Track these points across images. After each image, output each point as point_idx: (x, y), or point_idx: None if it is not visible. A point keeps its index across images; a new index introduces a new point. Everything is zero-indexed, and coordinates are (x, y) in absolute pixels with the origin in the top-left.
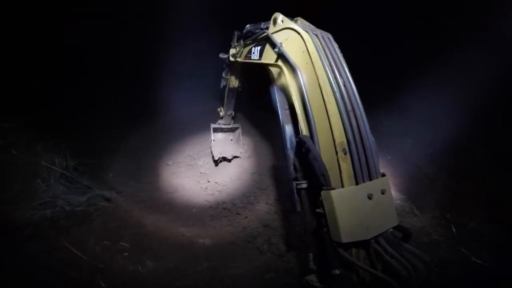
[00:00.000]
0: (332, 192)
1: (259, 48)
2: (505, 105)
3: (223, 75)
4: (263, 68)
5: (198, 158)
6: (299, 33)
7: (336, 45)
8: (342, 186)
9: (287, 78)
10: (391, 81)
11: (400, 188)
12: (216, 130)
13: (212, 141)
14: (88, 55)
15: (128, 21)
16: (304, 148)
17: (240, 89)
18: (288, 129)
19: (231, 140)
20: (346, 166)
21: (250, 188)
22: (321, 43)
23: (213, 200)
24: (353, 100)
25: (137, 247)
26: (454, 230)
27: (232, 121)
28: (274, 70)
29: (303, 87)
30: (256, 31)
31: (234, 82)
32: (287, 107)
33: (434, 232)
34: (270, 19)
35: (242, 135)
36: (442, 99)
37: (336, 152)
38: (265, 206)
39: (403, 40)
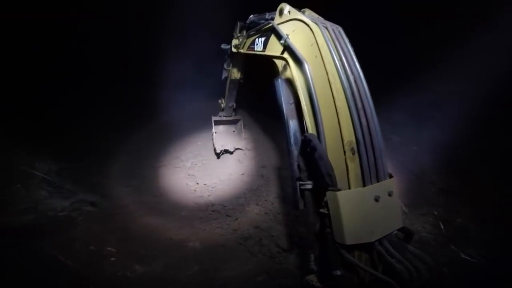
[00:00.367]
0: (338, 194)
1: (263, 39)
2: (492, 103)
3: (225, 66)
4: (267, 60)
5: (186, 160)
6: (308, 25)
7: (347, 39)
8: (349, 187)
9: (293, 72)
10: (379, 77)
11: None
12: (217, 122)
13: (214, 134)
14: (69, 58)
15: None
16: (309, 146)
17: (242, 81)
18: (293, 124)
19: (233, 131)
20: (353, 166)
21: (240, 190)
22: (331, 36)
23: (202, 203)
24: (364, 98)
25: (124, 252)
26: (442, 227)
27: (234, 113)
28: (279, 63)
29: (310, 81)
30: (261, 21)
31: (236, 73)
32: (292, 101)
33: (423, 229)
34: (275, 10)
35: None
36: (428, 97)
37: (344, 152)
38: (256, 207)
39: (397, 37)
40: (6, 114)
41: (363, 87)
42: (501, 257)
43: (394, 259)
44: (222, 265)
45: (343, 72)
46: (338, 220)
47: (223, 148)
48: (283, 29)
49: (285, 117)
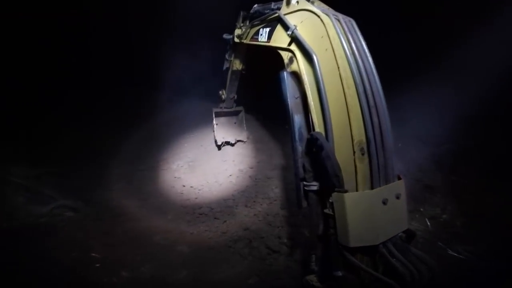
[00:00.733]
0: (346, 195)
1: (268, 29)
2: (478, 101)
3: (226, 56)
4: (271, 52)
5: (173, 161)
6: (318, 16)
7: (359, 32)
8: (356, 189)
9: (300, 65)
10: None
11: None
12: (218, 114)
13: (215, 125)
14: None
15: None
16: (316, 145)
17: (244, 72)
18: (298, 119)
19: (234, 123)
20: (362, 167)
21: (228, 191)
22: (343, 29)
23: (189, 205)
24: (377, 95)
25: (109, 258)
26: (428, 224)
27: (234, 104)
28: (285, 55)
29: (319, 76)
30: (266, 11)
31: (237, 64)
32: (297, 95)
33: (410, 226)
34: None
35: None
36: (414, 94)
37: (353, 152)
38: (244, 209)
39: (391, 33)
40: None
41: (376, 84)
42: (488, 253)
43: (397, 261)
44: (211, 269)
45: (356, 67)
46: (343, 222)
47: (224, 140)
48: (291, 19)
49: (290, 111)
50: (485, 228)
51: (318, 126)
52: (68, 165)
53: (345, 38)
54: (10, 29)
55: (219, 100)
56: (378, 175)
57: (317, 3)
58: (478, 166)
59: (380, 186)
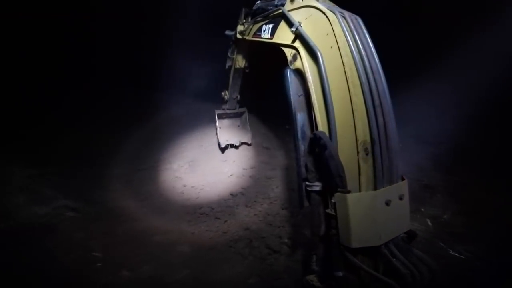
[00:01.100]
0: (349, 196)
1: (271, 26)
2: (477, 100)
3: (229, 54)
4: (274, 48)
5: (173, 161)
6: (324, 13)
7: (366, 30)
8: (359, 190)
9: (304, 62)
10: None
11: None
12: (221, 116)
13: (218, 128)
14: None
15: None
16: (319, 145)
17: (247, 70)
18: (300, 117)
19: (238, 126)
20: (366, 168)
21: (229, 191)
22: (349, 26)
23: (190, 205)
24: (382, 94)
25: (111, 258)
26: (429, 224)
27: (238, 105)
28: (288, 52)
29: (324, 74)
30: (269, 8)
31: (240, 62)
32: (301, 93)
33: (411, 226)
34: None
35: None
36: (413, 94)
37: (357, 152)
38: (245, 208)
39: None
40: None
41: (382, 83)
42: (489, 253)
43: (398, 262)
44: (212, 269)
45: (361, 65)
46: (345, 222)
47: (228, 143)
48: (295, 16)
49: (293, 109)
50: (485, 228)
51: (322, 125)
52: (69, 165)
53: (351, 36)
54: (10, 29)
55: (222, 101)
56: (382, 176)
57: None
58: (478, 166)
59: (383, 187)
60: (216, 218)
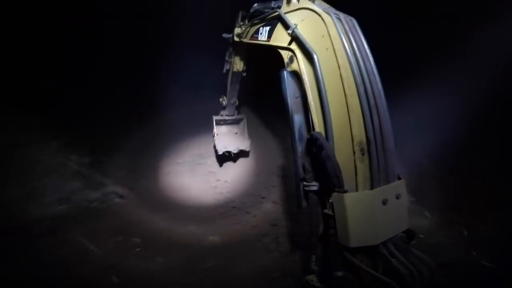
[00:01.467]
0: (345, 196)
1: (268, 28)
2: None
3: (226, 57)
4: (271, 51)
5: (208, 156)
6: (319, 15)
7: (361, 32)
8: (356, 189)
9: (301, 64)
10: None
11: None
12: (219, 122)
13: (216, 135)
14: (98, 57)
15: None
16: (316, 145)
17: (244, 74)
18: (298, 119)
19: (236, 133)
20: (362, 167)
21: (259, 187)
22: (344, 28)
23: (222, 199)
24: (377, 95)
25: (148, 243)
26: (465, 233)
27: (236, 112)
28: (285, 54)
29: (320, 75)
30: (266, 10)
31: (238, 65)
32: (298, 95)
33: (444, 234)
34: None
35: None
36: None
37: (354, 152)
38: (273, 205)
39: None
40: (42, 109)
41: (377, 84)
42: None
43: (397, 262)
44: (238, 261)
45: (357, 67)
46: (343, 222)
47: (225, 150)
48: (291, 18)
49: (290, 111)
50: None
51: (318, 126)
52: (114, 155)
53: (346, 37)
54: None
55: (220, 106)
56: (378, 176)
57: (318, 1)
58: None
59: (380, 187)
60: (246, 212)
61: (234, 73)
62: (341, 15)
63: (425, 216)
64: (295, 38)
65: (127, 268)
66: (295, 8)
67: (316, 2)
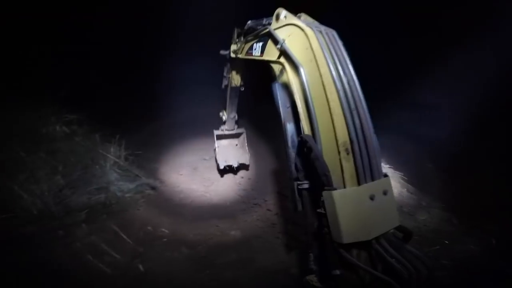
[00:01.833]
0: (334, 193)
1: (260, 44)
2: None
3: (224, 73)
4: (265, 65)
5: None
6: (302, 30)
7: (340, 42)
8: (344, 187)
9: (290, 76)
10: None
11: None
12: (219, 137)
13: (216, 149)
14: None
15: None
16: (306, 147)
17: (242, 89)
18: (290, 127)
19: (236, 145)
20: (348, 166)
21: (282, 185)
22: (325, 40)
23: (245, 195)
24: (357, 99)
25: (175, 234)
26: (494, 242)
27: (236, 126)
28: (276, 67)
29: (305, 84)
30: (258, 27)
31: (236, 80)
32: (289, 105)
33: (471, 242)
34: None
35: (247, 140)
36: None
37: (339, 152)
38: None
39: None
40: (87, 103)
41: (356, 89)
42: None
43: (392, 258)
44: (258, 255)
45: (337, 74)
46: (334, 219)
47: (226, 164)
48: (280, 33)
49: (283, 120)
50: None
51: (307, 131)
52: (148, 149)
53: (327, 48)
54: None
55: (221, 121)
56: (363, 173)
57: (304, 17)
58: None
59: (366, 183)
60: (267, 209)
61: (233, 88)
62: (322, 28)
63: (452, 223)
64: (283, 52)
65: (153, 258)
66: (283, 24)
67: (302, 18)
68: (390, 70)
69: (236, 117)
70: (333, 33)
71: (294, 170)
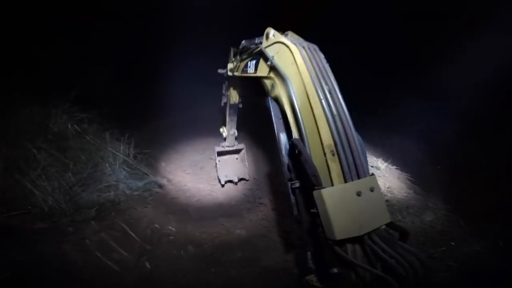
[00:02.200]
0: (323, 191)
1: (254, 62)
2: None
3: (223, 91)
4: (259, 81)
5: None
6: (288, 46)
7: (322, 55)
8: (332, 185)
9: (279, 89)
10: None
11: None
12: (220, 153)
13: (218, 162)
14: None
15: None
16: (296, 150)
17: (241, 105)
18: (283, 137)
19: (236, 159)
20: (334, 166)
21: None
22: (308, 55)
23: (251, 195)
24: (338, 105)
25: (182, 232)
26: (501, 243)
27: (236, 142)
28: (268, 82)
29: (293, 96)
30: (251, 46)
31: (234, 97)
32: (280, 116)
33: (478, 244)
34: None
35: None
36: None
37: (325, 154)
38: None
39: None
40: (100, 104)
41: (337, 97)
42: None
43: (386, 254)
44: (263, 254)
45: (319, 85)
46: (326, 216)
47: (226, 179)
48: (270, 51)
49: (276, 131)
50: None
51: (297, 137)
52: (155, 148)
53: (309, 62)
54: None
55: (222, 138)
56: (349, 172)
57: (290, 34)
58: None
59: (352, 181)
60: (272, 209)
61: (231, 106)
62: (305, 44)
63: (459, 224)
64: (273, 67)
65: (160, 256)
66: (272, 42)
67: (288, 36)
68: (395, 74)
69: (236, 133)
70: (315, 47)
71: (287, 171)
